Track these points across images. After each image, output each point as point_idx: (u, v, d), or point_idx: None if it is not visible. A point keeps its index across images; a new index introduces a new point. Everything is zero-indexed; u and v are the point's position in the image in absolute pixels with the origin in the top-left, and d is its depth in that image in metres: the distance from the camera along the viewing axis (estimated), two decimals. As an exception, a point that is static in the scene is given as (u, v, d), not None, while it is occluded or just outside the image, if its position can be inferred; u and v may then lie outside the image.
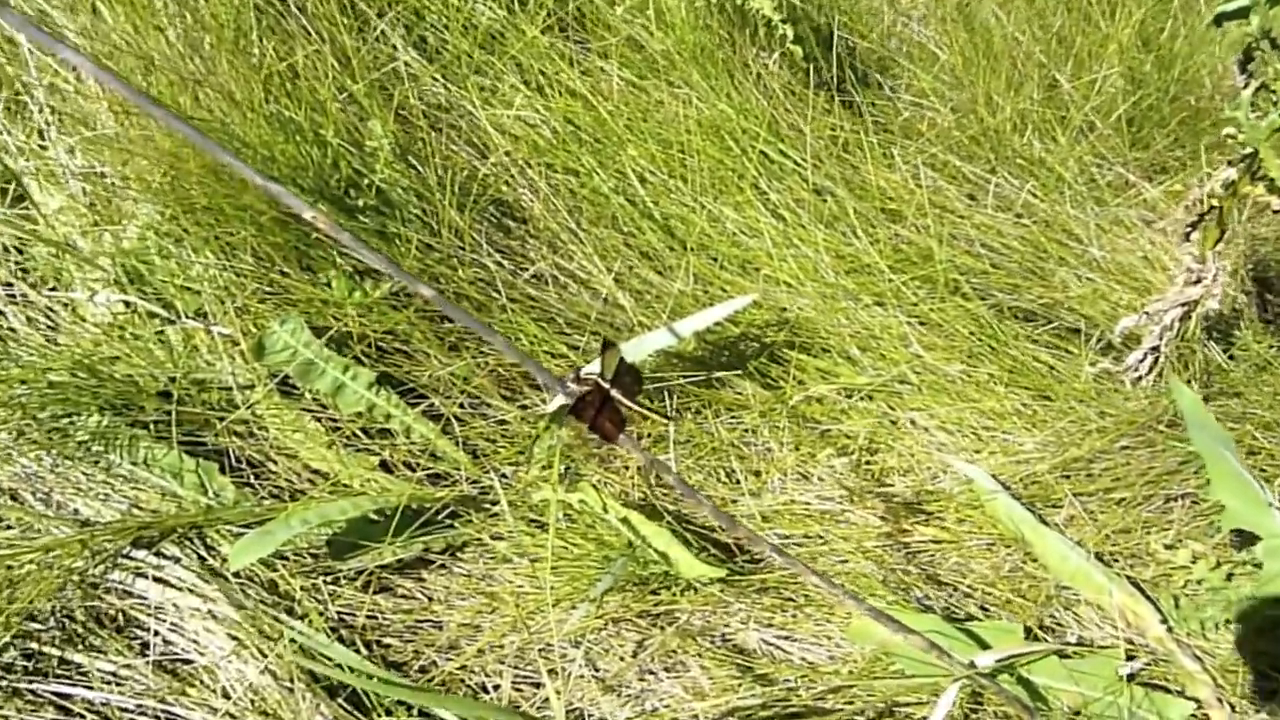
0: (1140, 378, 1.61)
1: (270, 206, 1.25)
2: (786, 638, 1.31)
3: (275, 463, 1.31)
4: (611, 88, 1.74)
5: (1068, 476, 1.48)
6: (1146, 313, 1.57)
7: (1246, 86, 1.35)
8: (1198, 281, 1.51)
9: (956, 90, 1.98)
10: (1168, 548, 1.41)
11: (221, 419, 1.30)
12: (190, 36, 1.32)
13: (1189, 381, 1.59)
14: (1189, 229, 1.48)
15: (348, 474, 1.33)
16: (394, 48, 1.55)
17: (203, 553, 1.25)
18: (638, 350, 1.37)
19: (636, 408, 0.88)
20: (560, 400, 1.36)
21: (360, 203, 1.37)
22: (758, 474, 1.51)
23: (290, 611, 1.21)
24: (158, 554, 1.23)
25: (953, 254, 1.69)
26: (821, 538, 1.42)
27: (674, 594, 1.32)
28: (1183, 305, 1.53)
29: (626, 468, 1.45)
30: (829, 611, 1.33)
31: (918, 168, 1.79)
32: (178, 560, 1.22)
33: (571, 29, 1.80)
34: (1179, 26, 2.16)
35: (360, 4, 1.60)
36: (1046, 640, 1.26)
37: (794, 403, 1.54)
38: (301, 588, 1.24)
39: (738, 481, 1.48)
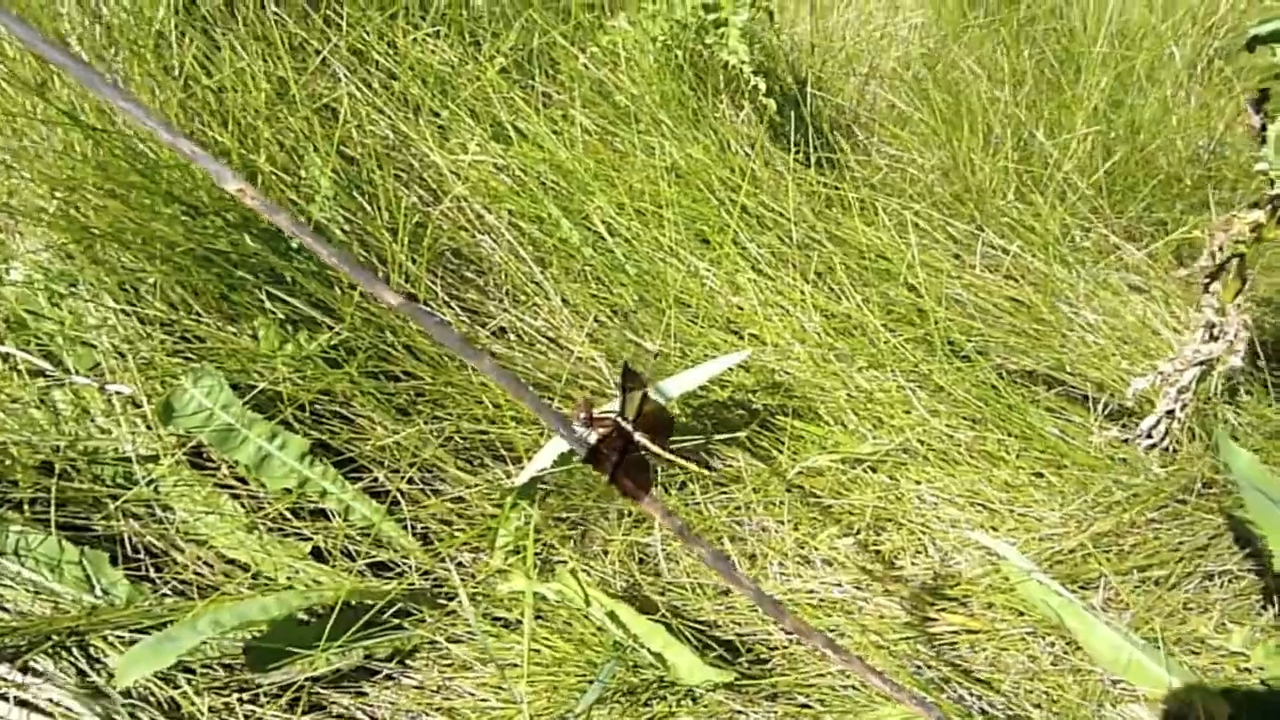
0: (1154, 444, 1.48)
1: (186, 237, 1.04)
2: (807, 753, 1.10)
3: (182, 551, 1.06)
4: (576, 134, 1.59)
5: (1094, 555, 1.32)
6: (1161, 373, 1.45)
7: (1264, 126, 1.26)
8: (1215, 338, 1.40)
9: (935, 149, 1.90)
10: (1217, 631, 1.25)
11: (115, 497, 1.06)
12: (97, 46, 1.13)
13: (1207, 450, 1.46)
14: (1208, 280, 1.38)
15: (272, 565, 1.09)
16: (335, 79, 1.38)
17: (84, 665, 0.98)
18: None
19: (672, 457, 0.68)
20: (536, 468, 1.15)
21: (295, 243, 1.16)
22: (753, 558, 1.31)
23: (194, 741, 0.95)
24: (23, 669, 0.96)
25: (947, 314, 1.56)
26: (835, 630, 1.22)
27: (671, 705, 1.10)
28: (1200, 364, 1.41)
29: (605, 552, 1.24)
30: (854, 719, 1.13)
31: (904, 224, 1.68)
32: (49, 676, 0.96)
33: (531, 73, 1.66)
34: (1144, 94, 2.13)
35: (300, 34, 1.42)
36: (1112, 746, 1.08)
37: (791, 476, 1.36)
38: (210, 709, 0.98)
39: (733, 566, 1.28)
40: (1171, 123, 2.10)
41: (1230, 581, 1.32)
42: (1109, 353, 1.62)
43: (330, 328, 1.14)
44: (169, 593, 1.05)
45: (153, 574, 1.05)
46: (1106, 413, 1.49)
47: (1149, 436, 1.48)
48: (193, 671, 1.00)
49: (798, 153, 1.74)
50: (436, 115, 1.53)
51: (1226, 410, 1.52)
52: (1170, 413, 1.45)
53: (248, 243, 1.12)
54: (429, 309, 0.58)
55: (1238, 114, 2.30)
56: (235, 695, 0.99)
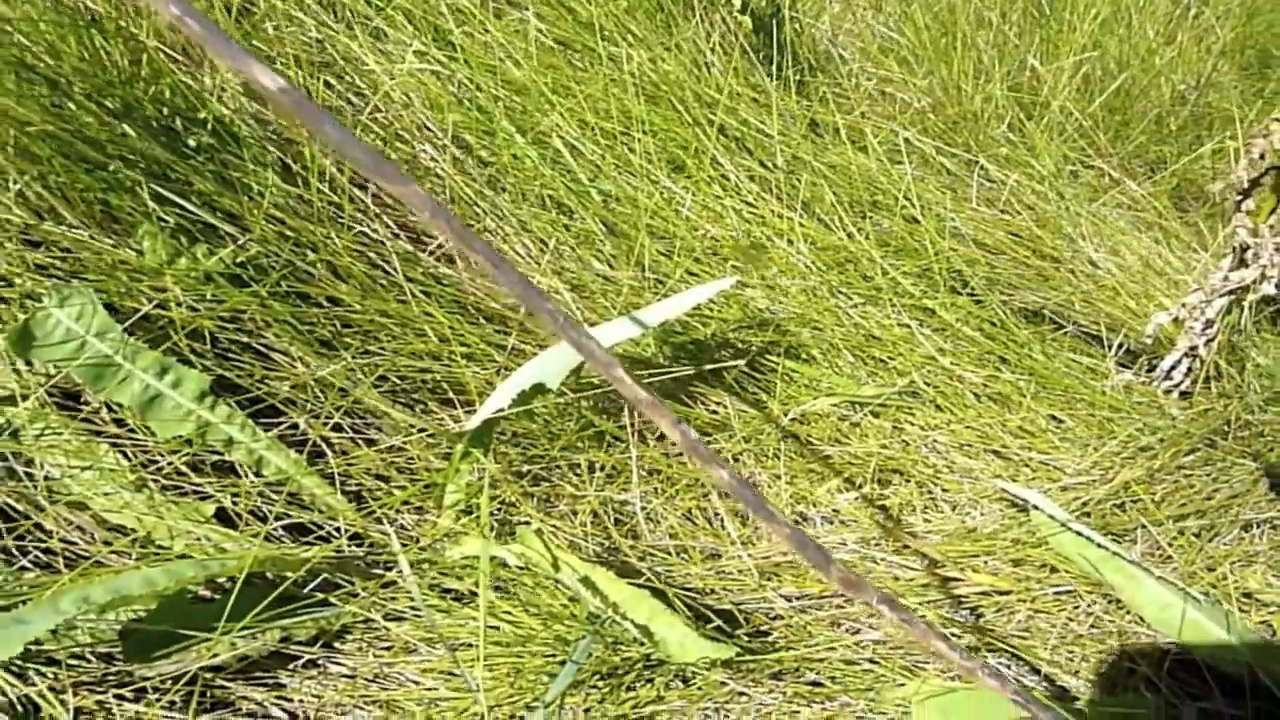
0: (1176, 385, 1.34)
1: (48, 120, 0.82)
2: (822, 740, 0.92)
3: (46, 513, 0.85)
4: (529, 48, 1.39)
5: (1126, 504, 1.17)
6: (1184, 304, 1.31)
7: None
8: (1247, 263, 1.26)
9: (923, 76, 1.73)
10: (1267, 585, 1.11)
11: (-42, 449, 0.84)
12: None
13: (1237, 389, 1.33)
14: (1240, 197, 1.23)
15: (165, 530, 0.88)
16: (246, -37, 1.16)
17: (-90, 662, 0.76)
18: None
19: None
20: (490, 409, 0.96)
21: (192, 140, 0.95)
22: (745, 517, 1.13)
23: (56, 751, 0.74)
24: None
25: (948, 247, 1.40)
26: (843, 595, 1.05)
27: (659, 688, 0.91)
28: (1229, 293, 1.27)
29: (576, 512, 1.05)
30: (873, 699, 0.95)
31: (896, 151, 1.51)
32: None
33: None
34: (1132, 31, 2.01)
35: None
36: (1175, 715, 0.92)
37: (785, 422, 1.19)
38: (79, 710, 0.77)
39: (722, 525, 1.10)
40: (1157, 64, 1.98)
41: (1272, 530, 1.18)
42: (1118, 289, 1.47)
43: (235, 240, 0.93)
44: (29, 565, 0.83)
45: (9, 542, 0.83)
46: (1120, 352, 1.34)
47: (1169, 377, 1.33)
48: (58, 664, 0.79)
49: (778, 75, 1.56)
50: (368, 20, 1.32)
51: (1257, 347, 1.39)
52: (1193, 350, 1.31)
53: (131, 134, 0.90)
54: (321, 109, 0.38)
55: (1223, 53, 2.19)
56: (112, 692, 0.78)
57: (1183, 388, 1.33)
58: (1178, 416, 1.29)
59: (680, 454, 1.13)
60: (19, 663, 0.76)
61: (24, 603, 0.76)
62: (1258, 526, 1.19)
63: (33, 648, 0.76)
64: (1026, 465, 1.22)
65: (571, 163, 1.29)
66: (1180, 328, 1.33)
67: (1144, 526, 1.13)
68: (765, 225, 1.35)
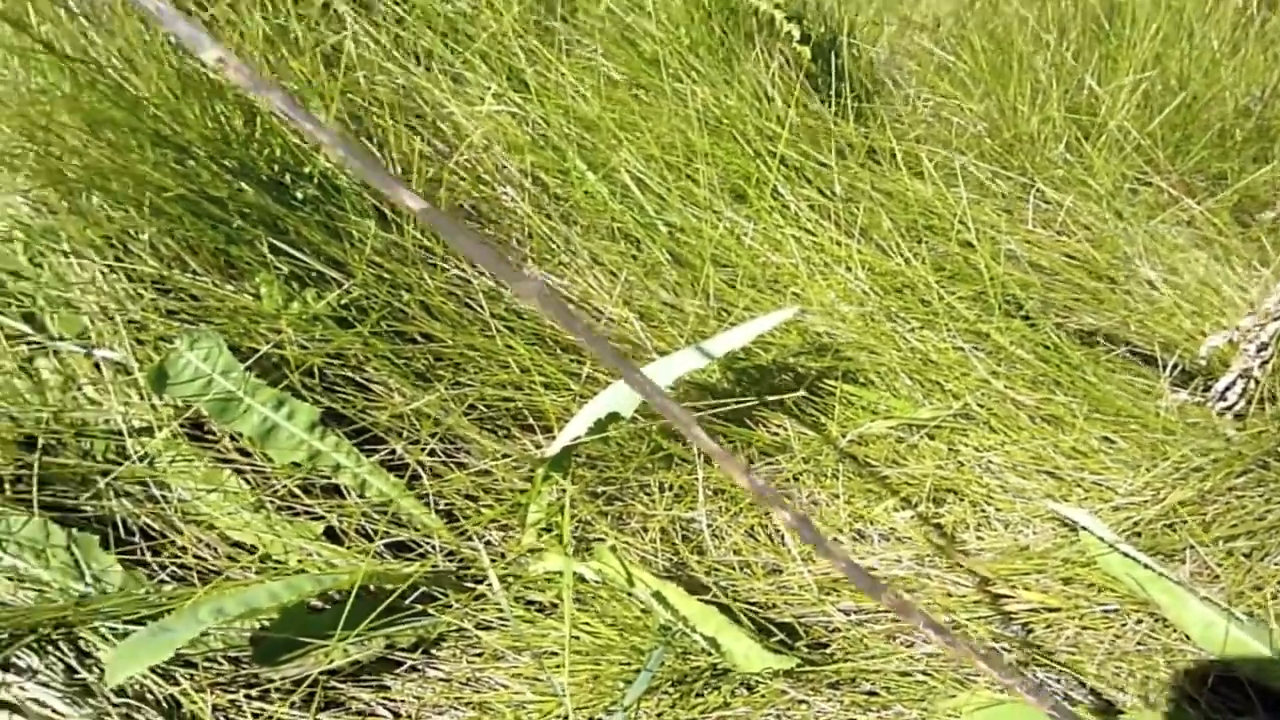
0: (1229, 407, 1.36)
1: (177, 183, 0.93)
2: (878, 747, 0.99)
3: (180, 532, 0.96)
4: (599, 84, 1.48)
5: (1176, 525, 1.21)
6: (1238, 328, 1.33)
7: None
8: (1302, 288, 1.28)
9: (979, 99, 1.77)
10: (1316, 607, 1.14)
11: (106, 474, 0.95)
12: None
13: (1290, 410, 1.35)
14: (1296, 223, 1.26)
15: (281, 546, 0.98)
16: (342, 23, 1.26)
17: (73, 661, 0.88)
18: (661, 375, 1.07)
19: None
20: (569, 437, 1.04)
21: (299, 193, 1.05)
22: (805, 533, 1.20)
23: (197, 743, 0.85)
24: (5, 665, 0.86)
25: (1002, 271, 1.44)
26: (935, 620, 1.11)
27: (725, 695, 0.99)
28: (1285, 318, 1.30)
29: (647, 529, 1.13)
30: (925, 708, 1.02)
31: (951, 176, 1.56)
32: (34, 673, 0.85)
33: (549, 19, 1.54)
34: (1195, 42, 2.01)
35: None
36: (1221, 734, 0.97)
37: (843, 444, 1.25)
38: (215, 707, 0.87)
39: (783, 541, 1.18)
40: (1221, 75, 1.98)
41: (1325, 552, 1.20)
42: (1173, 310, 1.50)
43: (340, 285, 1.03)
44: (167, 579, 0.94)
45: (149, 558, 0.95)
46: (1175, 374, 1.37)
47: (1223, 399, 1.36)
48: (194, 666, 0.89)
49: (836, 102, 1.62)
50: (449, 65, 1.42)
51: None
52: (1247, 372, 1.33)
53: (248, 191, 1.01)
54: (453, 221, 0.47)
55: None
56: (242, 692, 0.89)
57: (1237, 409, 1.36)
58: (1232, 438, 1.32)
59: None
60: (164, 665, 0.87)
61: (166, 613, 0.87)
62: (1310, 547, 1.21)
63: (175, 653, 0.86)
64: (1079, 485, 1.27)
65: (639, 196, 1.37)
66: (1235, 349, 1.36)
67: (1192, 547, 1.17)
68: (824, 252, 1.41)
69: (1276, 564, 1.20)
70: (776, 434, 1.25)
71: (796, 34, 1.65)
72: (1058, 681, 1.08)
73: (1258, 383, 1.34)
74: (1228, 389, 1.36)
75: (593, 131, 1.42)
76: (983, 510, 1.24)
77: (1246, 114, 2.03)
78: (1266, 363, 1.32)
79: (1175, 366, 1.37)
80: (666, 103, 1.46)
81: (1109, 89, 1.81)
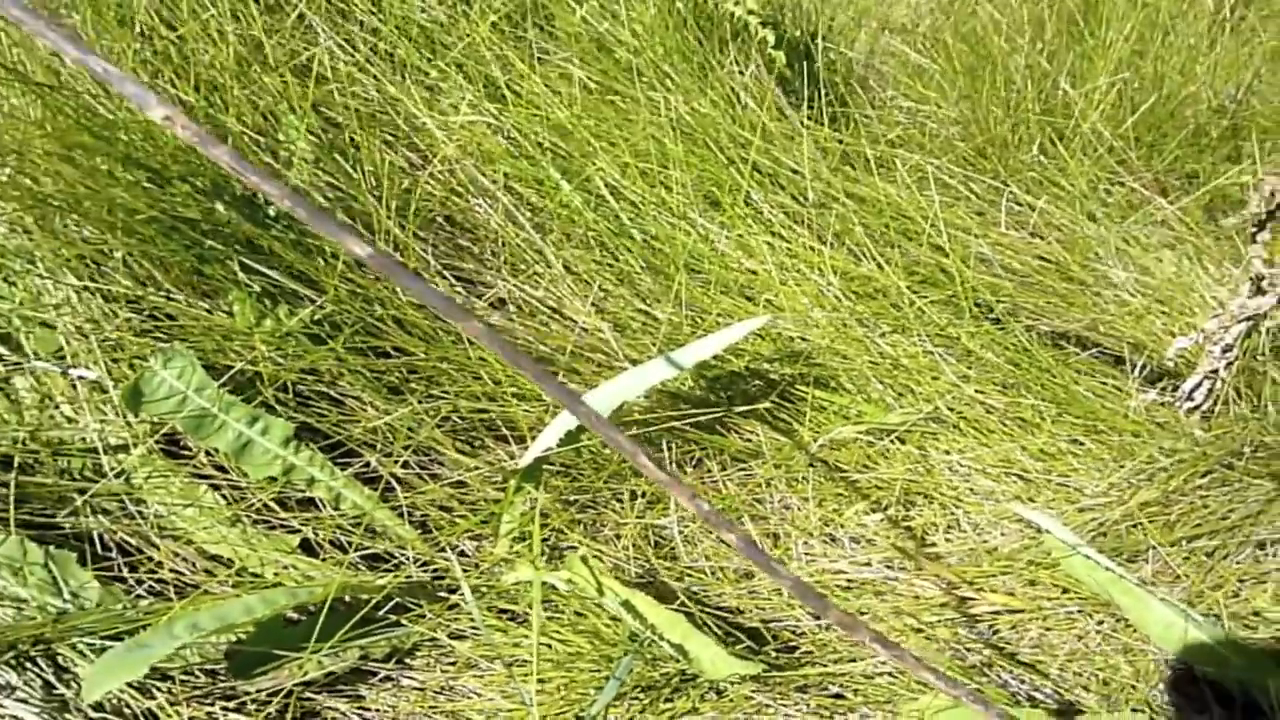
0: (1196, 407, 1.39)
1: (150, 205, 0.94)
2: (843, 749, 1.02)
3: (157, 548, 0.98)
4: (575, 92, 1.49)
5: (1139, 525, 1.24)
6: (1204, 330, 1.35)
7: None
8: (1263, 291, 1.30)
9: (953, 101, 1.79)
10: (1275, 604, 1.17)
11: (83, 491, 0.97)
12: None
13: (1254, 411, 1.37)
14: (1256, 229, 1.28)
15: (258, 560, 1.00)
16: (315, 34, 1.27)
17: (50, 677, 0.90)
18: (632, 386, 1.09)
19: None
20: (540, 448, 1.06)
21: (272, 211, 1.07)
22: (776, 538, 1.23)
23: (174, 756, 0.87)
24: (-16, 683, 0.87)
25: (974, 274, 1.47)
26: (867, 613, 1.14)
27: (694, 700, 1.01)
28: (1247, 319, 1.32)
29: (618, 536, 1.15)
30: (891, 711, 1.04)
31: (923, 180, 1.57)
32: (12, 690, 0.87)
33: (525, 30, 1.55)
34: (1170, 40, 2.03)
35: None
36: (1177, 734, 0.99)
37: (814, 449, 1.27)
38: (192, 719, 0.89)
39: (765, 553, 1.19)
40: (1197, 72, 2.00)
41: (1287, 550, 1.23)
42: (1143, 311, 1.53)
43: (312, 301, 1.05)
44: (144, 594, 0.96)
45: (126, 574, 0.97)
46: (1144, 374, 1.40)
47: (1190, 399, 1.38)
48: (171, 680, 0.91)
49: (810, 107, 1.64)
50: (425, 75, 1.43)
51: (1274, 369, 1.43)
52: (1214, 373, 1.36)
53: (220, 210, 1.02)
54: (402, 263, 0.49)
55: (1267, 59, 2.19)
56: (219, 704, 0.91)
57: (1204, 410, 1.38)
58: (1199, 438, 1.34)
59: (715, 482, 1.23)
60: (141, 680, 0.89)
61: (143, 628, 0.89)
62: (1271, 546, 1.24)
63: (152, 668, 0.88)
64: (1047, 487, 1.29)
65: (614, 205, 1.39)
66: (1201, 351, 1.38)
67: (1154, 547, 1.19)
68: (797, 259, 1.43)
69: (1238, 563, 1.22)
70: (749, 440, 1.27)
71: (771, 39, 1.66)
72: (1021, 682, 1.10)
73: (1224, 383, 1.36)
74: (1194, 390, 1.38)
75: (568, 140, 1.44)
76: (951, 513, 1.27)
77: (1221, 112, 2.05)
78: (1232, 364, 1.34)
79: (1144, 368, 1.39)
80: (641, 111, 1.48)
81: (1083, 90, 1.83)
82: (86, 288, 1.00)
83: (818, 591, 0.65)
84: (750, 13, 1.64)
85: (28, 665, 0.88)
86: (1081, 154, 1.78)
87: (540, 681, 0.98)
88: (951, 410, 1.32)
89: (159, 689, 0.89)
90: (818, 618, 1.13)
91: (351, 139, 1.18)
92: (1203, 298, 1.59)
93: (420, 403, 1.08)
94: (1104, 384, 1.40)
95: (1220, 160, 1.93)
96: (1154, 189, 1.81)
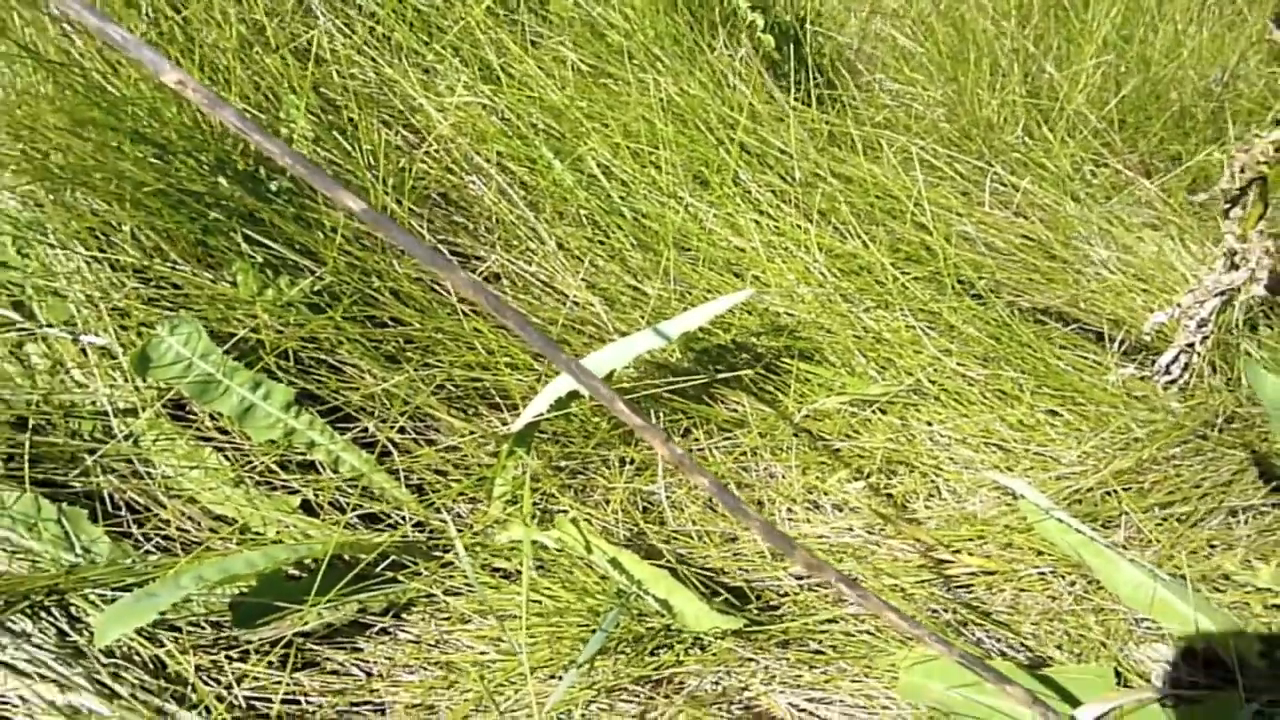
0: (1173, 380, 1.43)
1: (157, 179, 0.99)
2: (820, 700, 1.06)
3: (164, 506, 1.02)
4: (567, 75, 1.53)
5: (1115, 492, 1.28)
6: (1179, 305, 1.39)
7: (1290, 41, 1.20)
8: (1236, 266, 1.34)
9: (940, 84, 1.83)
10: (1243, 568, 1.21)
11: (93, 452, 1.01)
12: (57, -17, 1.06)
13: (1229, 384, 1.41)
14: (1228, 205, 1.32)
15: (259, 519, 1.05)
16: (315, 18, 1.31)
17: (64, 626, 0.94)
18: (619, 356, 1.13)
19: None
20: (532, 414, 1.11)
21: (274, 186, 1.11)
22: (761, 504, 1.27)
23: (181, 700, 0.92)
24: (1, 628, 0.92)
25: (956, 252, 1.50)
26: (848, 575, 1.18)
27: (679, 653, 1.06)
28: (1221, 294, 1.36)
29: (607, 500, 1.20)
30: (868, 666, 1.09)
31: (908, 160, 1.61)
32: (28, 636, 0.92)
33: (519, 12, 1.59)
34: (1155, 26, 2.06)
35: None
36: (1139, 686, 1.04)
37: (798, 419, 1.31)
38: (198, 667, 0.94)
39: (737, 499, 1.24)
40: (1183, 55, 2.03)
41: (1256, 517, 1.27)
42: (1123, 288, 1.56)
43: (312, 272, 1.09)
44: (152, 550, 1.01)
45: (134, 530, 1.01)
46: (1123, 349, 1.44)
47: (1167, 372, 1.42)
48: (178, 630, 0.96)
49: (798, 90, 1.67)
50: (421, 57, 1.47)
51: (1248, 343, 1.47)
52: (1190, 347, 1.40)
53: (224, 184, 1.07)
54: (391, 219, 0.53)
55: (1253, 42, 2.22)
56: (223, 653, 0.95)
57: (1181, 383, 1.42)
58: (1175, 410, 1.38)
59: (701, 450, 1.27)
60: (149, 629, 0.94)
61: (151, 580, 0.94)
62: (1243, 513, 1.28)
63: (159, 617, 0.92)
64: (1025, 456, 1.33)
65: (605, 183, 1.43)
66: (1177, 325, 1.42)
67: (1127, 513, 1.23)
68: (784, 236, 1.47)
69: (1210, 529, 1.26)
70: (735, 410, 1.31)
71: (761, 22, 1.70)
72: (995, 640, 1.14)
73: (1200, 357, 1.40)
74: (1171, 363, 1.42)
75: (561, 121, 1.48)
76: (932, 480, 1.31)
77: (1207, 95, 2.08)
78: (1207, 338, 1.38)
79: (1122, 343, 1.43)
80: (632, 92, 1.52)
81: (1069, 72, 1.86)
82: (96, 258, 1.05)
83: (784, 534, 0.70)
84: (740, -3, 1.67)
85: (42, 615, 0.93)
86: (1067, 136, 1.81)
87: (531, 635, 1.02)
88: (933, 382, 1.36)
89: (167, 638, 0.94)
90: (799, 577, 1.17)
91: (350, 119, 1.22)
92: (1184, 276, 1.63)
93: (416, 370, 1.12)
94: (1085, 359, 1.44)
95: (1204, 142, 1.96)
96: (1137, 170, 1.85)
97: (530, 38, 1.57)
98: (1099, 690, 0.98)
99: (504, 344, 1.17)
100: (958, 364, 1.38)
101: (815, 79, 1.74)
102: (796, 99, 1.66)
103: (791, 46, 1.76)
